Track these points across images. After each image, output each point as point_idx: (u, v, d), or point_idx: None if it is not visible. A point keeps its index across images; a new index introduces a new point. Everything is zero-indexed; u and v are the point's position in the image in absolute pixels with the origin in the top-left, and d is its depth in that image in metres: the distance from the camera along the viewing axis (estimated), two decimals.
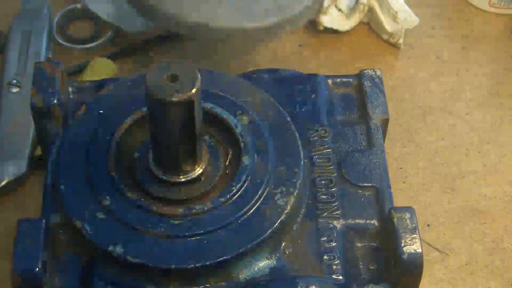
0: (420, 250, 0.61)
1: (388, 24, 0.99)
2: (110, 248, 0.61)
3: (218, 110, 0.68)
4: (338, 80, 0.77)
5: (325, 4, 0.98)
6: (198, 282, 0.61)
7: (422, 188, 0.86)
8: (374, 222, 0.66)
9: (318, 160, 0.70)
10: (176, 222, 0.61)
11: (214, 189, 0.65)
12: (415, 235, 0.61)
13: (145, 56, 0.96)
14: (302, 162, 0.67)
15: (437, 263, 0.80)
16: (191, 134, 0.61)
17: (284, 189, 0.65)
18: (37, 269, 0.59)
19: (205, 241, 0.61)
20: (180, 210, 0.62)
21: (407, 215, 0.62)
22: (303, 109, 0.74)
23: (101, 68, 0.92)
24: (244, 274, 0.62)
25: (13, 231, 0.62)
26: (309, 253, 0.64)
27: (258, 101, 0.71)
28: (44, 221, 0.62)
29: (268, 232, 0.62)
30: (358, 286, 0.63)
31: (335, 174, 0.69)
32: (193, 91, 0.57)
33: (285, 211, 0.63)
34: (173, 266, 0.60)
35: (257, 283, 0.61)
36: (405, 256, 0.60)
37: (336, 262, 0.63)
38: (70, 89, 0.74)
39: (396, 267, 0.61)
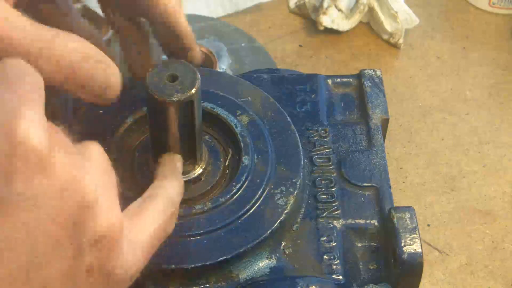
0: (420, 250, 0.61)
1: (388, 24, 0.99)
2: None
3: (218, 110, 0.68)
4: (338, 80, 0.77)
5: (325, 4, 0.98)
6: (198, 282, 0.61)
7: (422, 188, 0.86)
8: (374, 222, 0.66)
9: (318, 160, 0.70)
10: (176, 222, 0.61)
11: (214, 189, 0.65)
12: (415, 235, 0.61)
13: None
14: (302, 162, 0.67)
15: (437, 263, 0.80)
16: (191, 134, 0.61)
17: (284, 189, 0.65)
18: None
19: (205, 241, 0.61)
20: (180, 210, 0.62)
21: (407, 215, 0.62)
22: (303, 109, 0.74)
23: None
24: (244, 274, 0.62)
25: None
26: (309, 253, 0.64)
27: (258, 101, 0.71)
28: None
29: (268, 232, 0.62)
30: (358, 286, 0.63)
31: (335, 174, 0.69)
32: (193, 91, 0.57)
33: (285, 211, 0.63)
34: (173, 266, 0.60)
35: (257, 283, 0.61)
36: (405, 256, 0.60)
37: (336, 262, 0.63)
38: None
39: (396, 267, 0.61)
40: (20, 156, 0.40)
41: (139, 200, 0.54)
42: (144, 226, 0.51)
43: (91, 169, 0.44)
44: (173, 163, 0.61)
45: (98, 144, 0.48)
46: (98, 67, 0.51)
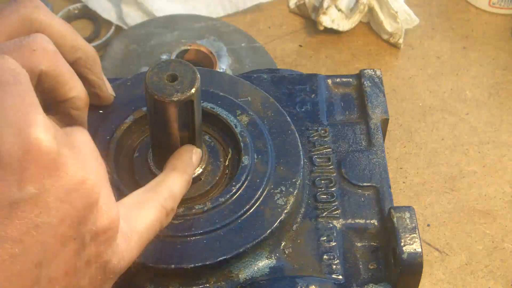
0: (420, 250, 0.61)
1: (388, 24, 0.99)
2: None
3: (218, 110, 0.68)
4: (338, 80, 0.77)
5: (325, 4, 0.99)
6: (198, 282, 0.61)
7: (422, 188, 0.86)
8: (374, 222, 0.66)
9: (318, 160, 0.70)
10: (176, 222, 0.61)
11: (214, 189, 0.65)
12: (415, 235, 0.61)
13: None
14: (302, 162, 0.67)
15: (437, 263, 0.80)
16: (190, 134, 0.61)
17: (284, 189, 0.65)
18: None
19: (205, 241, 0.61)
20: (180, 210, 0.62)
21: (407, 215, 0.62)
22: (303, 109, 0.74)
23: None
24: (244, 274, 0.62)
25: None
26: (308, 253, 0.64)
27: (258, 101, 0.71)
28: None
29: (268, 232, 0.62)
30: (358, 286, 0.63)
31: (335, 174, 0.69)
32: (193, 91, 0.57)
33: (285, 211, 0.63)
34: (173, 266, 0.60)
35: (257, 283, 0.61)
36: (405, 256, 0.60)
37: (336, 262, 0.63)
38: None
39: (396, 267, 0.61)
40: (33, 161, 0.40)
41: (142, 189, 0.55)
42: (141, 218, 0.52)
43: (91, 166, 0.45)
44: (188, 155, 0.61)
45: (84, 129, 0.48)
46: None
